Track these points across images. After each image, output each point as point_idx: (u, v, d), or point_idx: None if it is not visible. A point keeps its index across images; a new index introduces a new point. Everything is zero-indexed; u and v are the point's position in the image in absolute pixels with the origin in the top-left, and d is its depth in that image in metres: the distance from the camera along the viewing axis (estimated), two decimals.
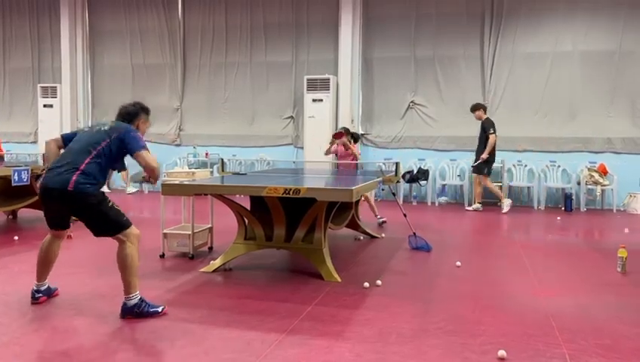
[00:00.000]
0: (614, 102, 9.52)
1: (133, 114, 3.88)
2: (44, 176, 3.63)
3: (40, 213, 7.40)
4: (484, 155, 8.83)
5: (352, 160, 7.53)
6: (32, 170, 6.60)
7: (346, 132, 7.56)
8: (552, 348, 3.13)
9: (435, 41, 10.23)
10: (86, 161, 3.52)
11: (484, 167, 8.96)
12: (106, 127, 3.69)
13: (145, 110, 3.97)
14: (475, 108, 9.15)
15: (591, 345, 3.17)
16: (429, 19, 10.26)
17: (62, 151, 3.76)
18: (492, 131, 8.83)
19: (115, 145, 3.62)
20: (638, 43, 9.38)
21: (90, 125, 3.90)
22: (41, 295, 3.84)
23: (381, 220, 7.45)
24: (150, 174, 3.70)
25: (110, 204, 3.60)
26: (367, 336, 3.28)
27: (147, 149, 3.69)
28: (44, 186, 3.57)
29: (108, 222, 3.57)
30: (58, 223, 3.73)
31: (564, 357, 3.00)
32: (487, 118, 9.03)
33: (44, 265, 3.83)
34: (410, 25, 10.33)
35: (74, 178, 3.46)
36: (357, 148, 7.82)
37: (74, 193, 3.45)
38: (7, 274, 4.66)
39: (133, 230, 3.63)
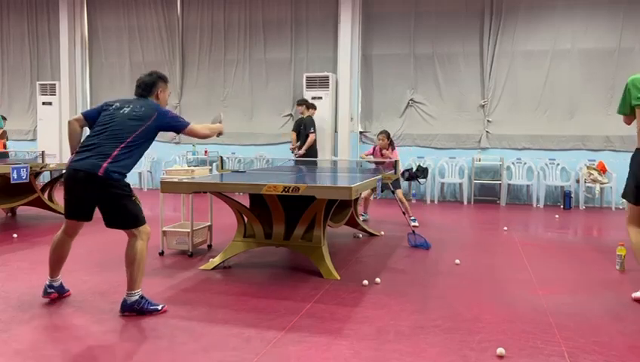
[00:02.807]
0: (613, 100, 9.50)
1: (151, 84, 3.78)
2: (71, 160, 3.54)
3: (39, 211, 7.47)
4: (302, 151, 8.72)
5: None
6: (31, 167, 6.60)
7: (387, 136, 7.18)
8: (551, 345, 3.14)
9: (434, 38, 10.22)
10: (118, 149, 3.45)
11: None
12: (135, 112, 3.59)
13: (162, 78, 3.86)
14: (299, 103, 9.10)
15: (589, 343, 3.18)
16: (428, 16, 10.25)
17: (84, 130, 3.66)
18: (312, 130, 8.77)
19: (153, 131, 3.63)
20: (637, 41, 9.39)
21: (111, 103, 3.70)
22: (53, 290, 3.79)
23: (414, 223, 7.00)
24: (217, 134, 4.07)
25: (134, 198, 3.57)
26: (366, 334, 3.29)
27: (190, 122, 3.82)
28: (70, 169, 3.47)
29: (128, 215, 3.53)
30: (76, 212, 3.59)
31: (562, 354, 3.01)
32: (310, 116, 8.93)
33: (56, 261, 3.76)
34: (410, 22, 10.33)
35: (105, 165, 3.39)
36: (396, 154, 7.18)
37: (103, 178, 3.38)
38: (7, 272, 4.66)
39: (146, 228, 3.62)
